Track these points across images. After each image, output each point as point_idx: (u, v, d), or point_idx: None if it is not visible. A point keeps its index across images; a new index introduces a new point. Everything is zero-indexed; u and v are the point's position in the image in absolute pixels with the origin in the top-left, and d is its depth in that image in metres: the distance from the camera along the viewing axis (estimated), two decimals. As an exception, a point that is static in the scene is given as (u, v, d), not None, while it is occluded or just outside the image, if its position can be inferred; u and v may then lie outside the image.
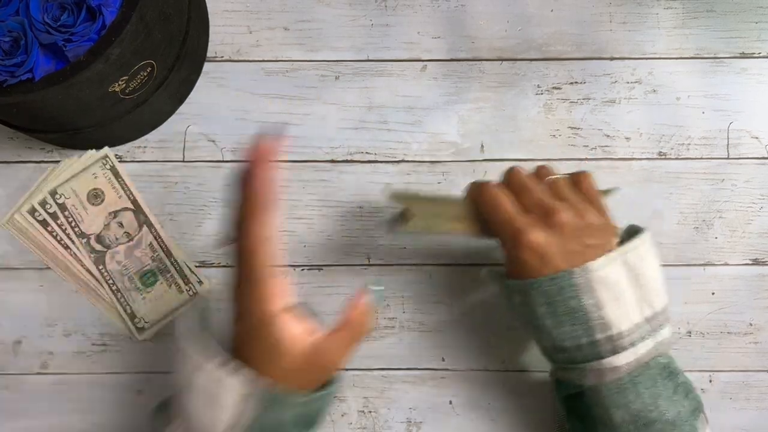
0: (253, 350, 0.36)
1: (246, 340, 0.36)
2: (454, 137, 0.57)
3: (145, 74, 0.50)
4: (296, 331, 0.36)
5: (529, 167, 0.50)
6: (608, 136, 0.57)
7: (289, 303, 0.37)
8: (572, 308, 0.42)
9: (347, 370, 0.55)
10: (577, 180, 0.46)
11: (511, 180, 0.45)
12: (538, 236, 0.42)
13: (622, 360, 0.42)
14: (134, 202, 0.56)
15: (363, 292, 0.39)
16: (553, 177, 0.45)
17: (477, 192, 0.45)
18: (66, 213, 0.55)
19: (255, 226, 0.35)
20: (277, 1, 0.58)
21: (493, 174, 0.52)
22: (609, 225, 0.44)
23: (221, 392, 0.35)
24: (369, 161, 0.57)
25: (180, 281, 0.56)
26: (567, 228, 0.42)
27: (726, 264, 0.56)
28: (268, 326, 0.35)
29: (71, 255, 0.55)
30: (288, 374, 0.36)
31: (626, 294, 0.42)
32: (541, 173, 0.46)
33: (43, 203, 0.54)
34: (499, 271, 0.47)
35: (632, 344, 0.42)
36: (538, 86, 0.57)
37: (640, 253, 0.43)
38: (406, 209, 0.46)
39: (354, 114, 0.57)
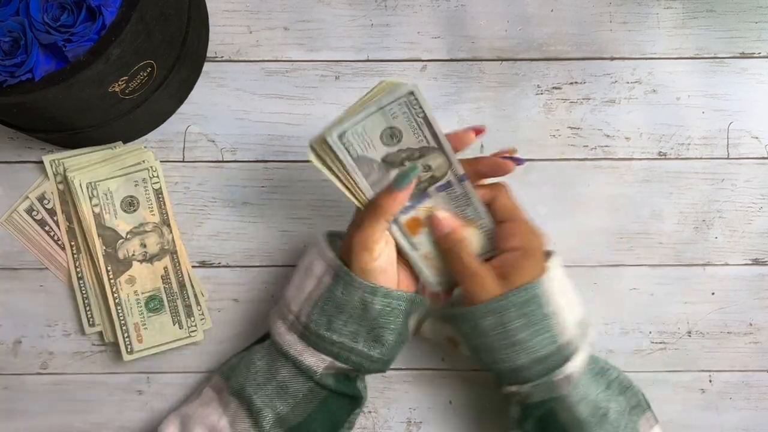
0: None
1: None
2: (454, 137, 0.57)
3: (145, 74, 0.50)
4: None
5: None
6: (608, 136, 0.57)
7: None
8: (544, 315, 0.44)
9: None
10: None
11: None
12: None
13: (579, 360, 0.45)
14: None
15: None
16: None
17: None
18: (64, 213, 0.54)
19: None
20: (277, 1, 0.58)
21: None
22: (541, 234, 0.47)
23: (313, 266, 0.46)
24: (369, 161, 0.57)
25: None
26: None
27: (726, 264, 0.56)
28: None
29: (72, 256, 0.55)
30: (362, 271, 0.44)
31: (565, 301, 0.46)
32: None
33: (41, 198, 0.54)
34: (448, 312, 0.48)
35: (579, 345, 0.45)
36: (538, 86, 0.57)
37: (560, 264, 0.47)
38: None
39: (354, 114, 0.57)
